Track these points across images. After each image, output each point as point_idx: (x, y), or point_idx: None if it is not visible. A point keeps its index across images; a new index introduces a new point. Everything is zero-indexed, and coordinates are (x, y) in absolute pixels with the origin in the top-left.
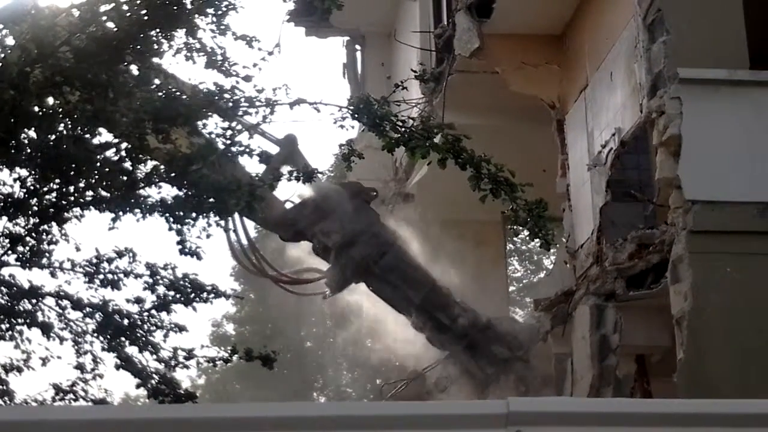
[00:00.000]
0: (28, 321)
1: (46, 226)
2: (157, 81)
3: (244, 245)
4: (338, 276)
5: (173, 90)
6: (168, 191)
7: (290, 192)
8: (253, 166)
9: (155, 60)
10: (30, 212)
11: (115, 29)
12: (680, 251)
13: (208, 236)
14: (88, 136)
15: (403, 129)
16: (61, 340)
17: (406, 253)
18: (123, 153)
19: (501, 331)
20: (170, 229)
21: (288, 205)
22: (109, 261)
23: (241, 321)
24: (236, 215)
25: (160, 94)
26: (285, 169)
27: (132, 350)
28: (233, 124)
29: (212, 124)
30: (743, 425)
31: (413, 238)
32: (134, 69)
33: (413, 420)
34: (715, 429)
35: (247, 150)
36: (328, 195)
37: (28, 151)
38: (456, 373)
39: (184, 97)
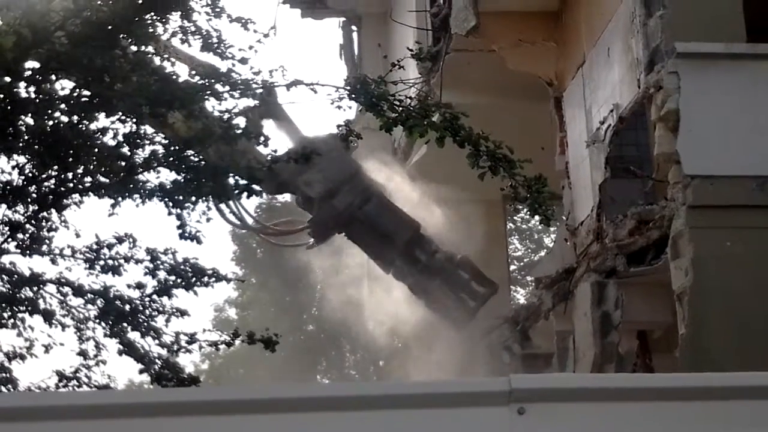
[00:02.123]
0: (29, 308)
1: (45, 213)
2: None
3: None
4: (321, 226)
5: (170, 73)
6: (167, 176)
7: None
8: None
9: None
10: (29, 199)
11: (110, 13)
12: (680, 226)
13: (208, 220)
14: (85, 121)
15: (400, 108)
16: (63, 326)
17: (389, 200)
18: (121, 138)
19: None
20: (170, 213)
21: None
22: (110, 247)
23: (242, 305)
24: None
25: (156, 77)
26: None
27: (134, 336)
28: (230, 106)
29: (209, 107)
30: (744, 398)
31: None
32: (130, 53)
33: (414, 399)
34: (717, 402)
35: (244, 132)
36: (310, 146)
37: (26, 137)
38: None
39: (181, 80)
